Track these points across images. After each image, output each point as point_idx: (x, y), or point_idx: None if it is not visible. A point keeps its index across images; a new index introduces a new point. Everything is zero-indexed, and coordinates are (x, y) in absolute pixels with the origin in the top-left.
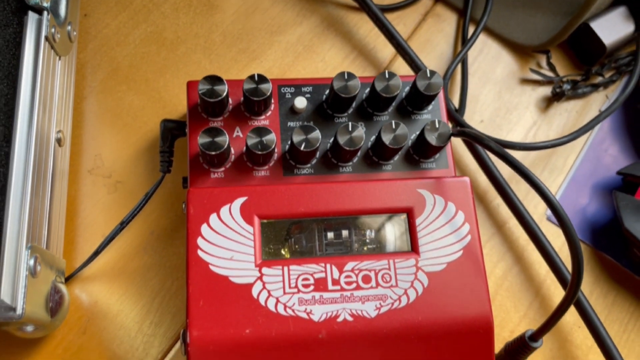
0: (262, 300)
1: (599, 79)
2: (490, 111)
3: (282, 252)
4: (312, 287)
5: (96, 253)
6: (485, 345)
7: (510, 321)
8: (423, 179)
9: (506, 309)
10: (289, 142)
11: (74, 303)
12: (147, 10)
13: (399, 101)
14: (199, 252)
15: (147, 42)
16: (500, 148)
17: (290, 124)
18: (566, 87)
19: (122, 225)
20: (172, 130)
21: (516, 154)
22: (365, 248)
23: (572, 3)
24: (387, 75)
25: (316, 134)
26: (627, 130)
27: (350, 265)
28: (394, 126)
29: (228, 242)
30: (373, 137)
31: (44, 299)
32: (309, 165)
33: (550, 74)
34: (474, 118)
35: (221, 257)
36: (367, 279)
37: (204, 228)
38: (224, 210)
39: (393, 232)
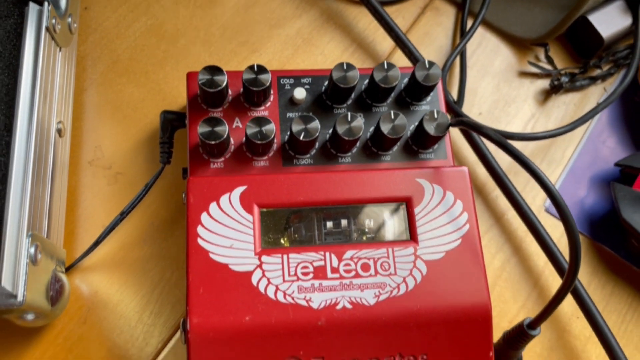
0: (261, 288)
1: (597, 72)
2: (488, 104)
3: (282, 241)
4: (311, 275)
5: (96, 243)
6: (483, 333)
7: (508, 311)
8: (422, 168)
9: (505, 300)
10: (288, 133)
11: (74, 293)
12: (147, 3)
13: (398, 92)
14: (199, 241)
15: (147, 35)
16: (499, 136)
17: (290, 114)
18: (564, 79)
19: (122, 215)
20: (172, 122)
21: (515, 145)
22: (364, 237)
23: None
24: (385, 66)
25: (315, 124)
26: (625, 122)
27: (349, 253)
28: (392, 116)
29: (228, 231)
30: (372, 128)
31: (45, 287)
32: (308, 155)
33: (548, 66)
34: (472, 110)
35: (221, 245)
36: (366, 267)
37: (204, 217)
38: (224, 199)
39: (392, 221)
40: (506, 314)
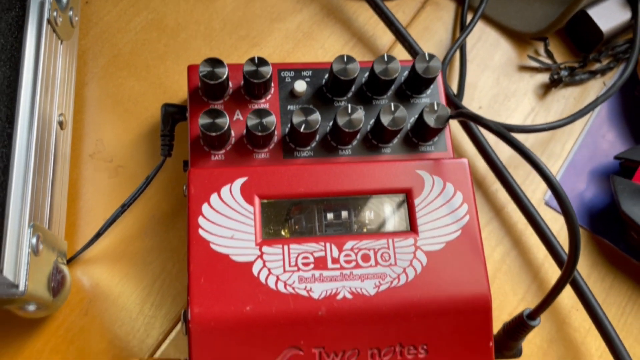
0: (262, 278)
1: (596, 66)
2: (488, 97)
3: (282, 232)
4: (312, 266)
5: (98, 235)
6: (483, 323)
7: (508, 304)
8: (422, 160)
9: (504, 292)
10: (289, 125)
11: (75, 285)
12: None
13: (398, 85)
14: (200, 231)
15: (148, 29)
16: (500, 127)
17: (290, 107)
18: (564, 73)
19: (124, 207)
20: (172, 115)
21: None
22: (364, 228)
23: None
24: (386, 59)
25: (316, 115)
26: (624, 116)
27: (349, 244)
28: (393, 108)
29: (229, 222)
30: (372, 121)
31: (46, 278)
32: (308, 148)
33: (548, 61)
34: (472, 104)
35: (222, 235)
36: (366, 258)
37: (205, 207)
38: (225, 190)
39: (392, 213)
40: (506, 307)
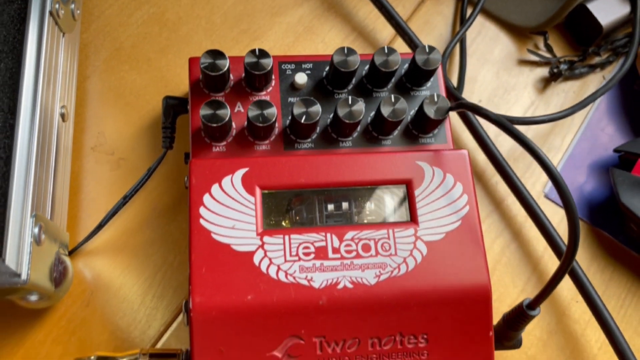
0: (263, 268)
1: (595, 60)
2: (488, 91)
3: (283, 223)
4: (312, 256)
5: (99, 226)
6: (483, 312)
7: (508, 296)
8: (422, 151)
9: (504, 284)
10: (290, 117)
11: (77, 276)
12: None
13: (398, 78)
14: (201, 221)
15: (149, 23)
16: (499, 117)
17: (291, 99)
18: (563, 67)
19: (125, 199)
20: (174, 107)
21: None
22: (365, 219)
23: None
24: (386, 51)
25: (317, 107)
26: (623, 110)
27: (350, 234)
28: (393, 100)
29: (230, 212)
30: (373, 113)
31: (48, 268)
32: (309, 140)
33: (547, 55)
34: (472, 98)
35: (223, 225)
36: (366, 248)
37: (206, 198)
38: (226, 180)
39: (392, 203)
40: (506, 298)
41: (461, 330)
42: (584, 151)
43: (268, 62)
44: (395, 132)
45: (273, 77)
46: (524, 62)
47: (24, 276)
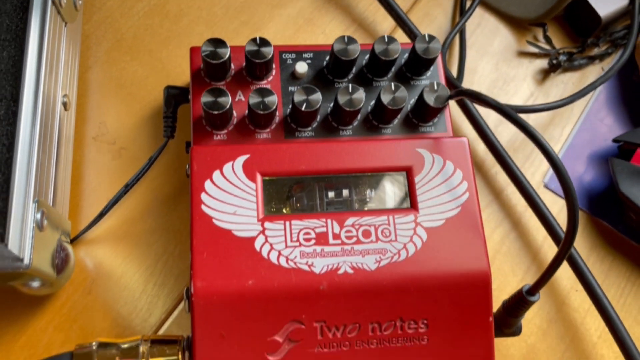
0: (264, 253)
1: (594, 52)
2: (488, 83)
3: (284, 210)
4: (313, 241)
5: (101, 215)
6: (483, 298)
7: (508, 285)
8: (422, 138)
9: (504, 273)
10: (290, 106)
11: (78, 265)
12: None
13: (398, 67)
14: (203, 207)
15: (150, 14)
16: (499, 103)
17: (292, 88)
18: (562, 58)
19: (127, 188)
20: (175, 96)
21: None
22: (365, 206)
23: None
24: (386, 39)
25: (317, 95)
26: (622, 101)
27: (350, 220)
28: (393, 88)
29: (231, 198)
30: (373, 102)
31: (51, 254)
32: (309, 128)
33: (546, 46)
34: (471, 88)
35: (224, 211)
36: (367, 234)
37: (208, 184)
38: (227, 167)
39: (392, 190)
40: (505, 287)
41: (461, 315)
42: (583, 142)
43: (269, 51)
44: (396, 121)
45: (274, 66)
46: (523, 54)
47: (26, 261)
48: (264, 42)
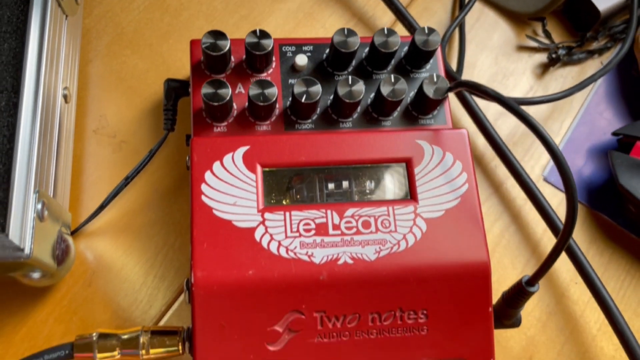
0: (264, 244)
1: (594, 46)
2: (487, 77)
3: (284, 202)
4: (313, 232)
5: (102, 207)
6: (482, 288)
7: (508, 278)
8: (422, 130)
9: (504, 266)
10: (290, 98)
11: (79, 257)
12: None
13: (398, 60)
14: (203, 198)
15: (150, 9)
16: (498, 93)
17: (292, 81)
18: (561, 52)
19: (127, 180)
20: (175, 89)
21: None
22: (365, 197)
23: None
24: (386, 32)
25: (317, 87)
26: (621, 95)
27: (350, 211)
28: (393, 80)
29: (231, 189)
30: (372, 95)
31: (51, 245)
32: (309, 120)
33: (546, 40)
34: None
35: (224, 202)
36: (366, 225)
37: (208, 175)
38: (227, 158)
39: (392, 181)
40: (505, 280)
41: (461, 306)
42: (582, 135)
43: (269, 43)
44: (395, 114)
45: (274, 59)
46: (522, 48)
47: (27, 251)
48: (264, 34)
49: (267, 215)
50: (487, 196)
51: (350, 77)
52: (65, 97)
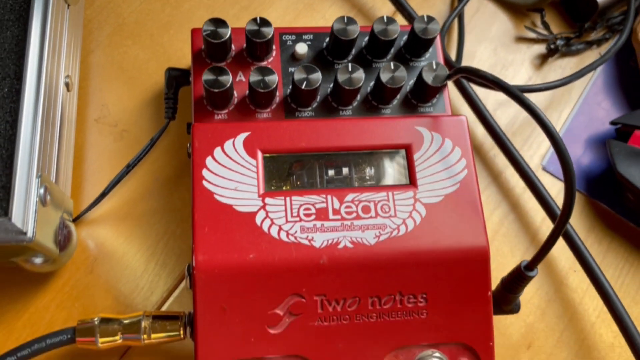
0: (265, 228)
1: (592, 37)
2: (486, 67)
3: (284, 188)
4: (313, 217)
5: (103, 194)
6: (481, 272)
7: (507, 265)
8: (422, 117)
9: (503, 254)
10: (291, 86)
11: (80, 244)
12: None
13: (397, 49)
14: (204, 183)
15: (152, 0)
16: (497, 78)
17: (292, 69)
18: (560, 43)
19: (129, 168)
20: (176, 78)
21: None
22: (365, 184)
23: None
24: (385, 20)
25: (317, 74)
26: (619, 85)
27: (350, 196)
28: (392, 67)
29: (232, 174)
30: (372, 83)
31: (53, 230)
32: (310, 108)
33: (544, 32)
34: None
35: (225, 187)
36: (366, 210)
37: (209, 160)
38: (228, 144)
39: (392, 168)
40: (504, 268)
41: (460, 290)
42: (581, 125)
43: (269, 31)
44: (395, 102)
45: (274, 47)
46: (521, 39)
47: (29, 234)
48: (264, 22)
49: (267, 200)
50: (486, 185)
51: (350, 64)
52: (67, 85)
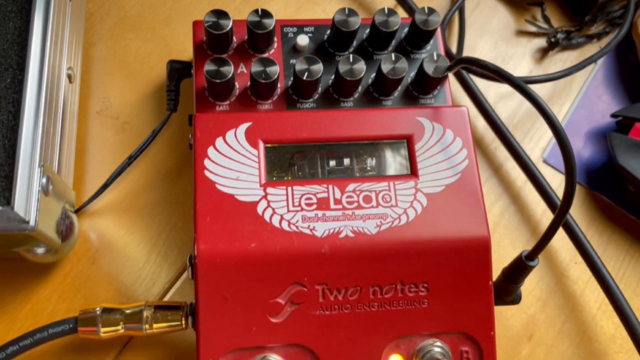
0: (267, 217)
1: (592, 30)
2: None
3: (286, 179)
4: (315, 206)
5: (105, 186)
6: (482, 262)
7: (508, 257)
8: (423, 108)
9: (504, 246)
10: (292, 77)
11: (82, 235)
12: None
13: (398, 41)
14: (206, 172)
15: None
16: (499, 68)
17: (293, 61)
18: (560, 36)
19: (131, 159)
20: (178, 70)
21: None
22: (366, 174)
23: None
24: (386, 11)
25: (319, 65)
26: (620, 79)
27: (351, 186)
28: (394, 58)
29: (234, 164)
30: (373, 75)
31: (55, 220)
32: (311, 99)
33: (545, 25)
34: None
35: (227, 177)
36: (368, 199)
37: (211, 150)
38: (230, 134)
39: (393, 158)
40: (505, 260)
41: (461, 279)
42: (581, 118)
43: (270, 22)
44: (396, 93)
45: (275, 39)
46: (522, 33)
47: (32, 223)
48: (265, 14)
49: (269, 189)
50: (487, 177)
51: (351, 55)
52: (69, 76)
